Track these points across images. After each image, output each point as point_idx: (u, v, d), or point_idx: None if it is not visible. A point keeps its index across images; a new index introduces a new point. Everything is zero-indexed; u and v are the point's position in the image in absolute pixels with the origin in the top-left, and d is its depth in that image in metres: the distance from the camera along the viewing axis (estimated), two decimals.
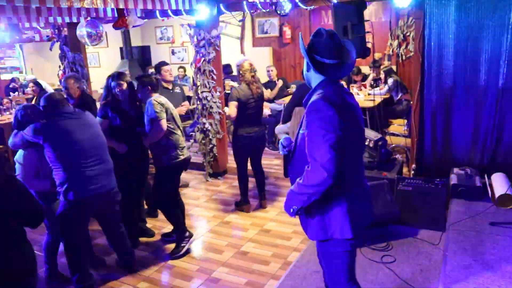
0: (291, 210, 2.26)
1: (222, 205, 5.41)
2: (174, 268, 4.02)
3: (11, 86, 10.51)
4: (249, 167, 5.15)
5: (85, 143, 3.39)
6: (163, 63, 5.65)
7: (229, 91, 5.76)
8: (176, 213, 4.30)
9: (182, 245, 4.23)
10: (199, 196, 5.75)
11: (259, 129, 4.99)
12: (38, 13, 4.98)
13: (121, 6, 4.49)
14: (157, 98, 4.08)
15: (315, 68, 2.23)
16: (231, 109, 4.77)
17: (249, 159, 5.12)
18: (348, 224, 2.25)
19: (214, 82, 6.10)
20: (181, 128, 4.27)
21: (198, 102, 6.14)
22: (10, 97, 9.07)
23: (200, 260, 4.14)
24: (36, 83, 7.38)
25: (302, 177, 2.17)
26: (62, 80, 5.02)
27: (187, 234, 4.27)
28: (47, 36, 7.80)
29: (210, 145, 6.28)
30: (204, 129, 6.19)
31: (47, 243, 3.79)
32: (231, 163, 6.72)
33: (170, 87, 5.55)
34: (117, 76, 4.15)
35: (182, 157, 4.17)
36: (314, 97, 2.21)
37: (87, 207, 3.50)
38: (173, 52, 11.10)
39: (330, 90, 2.22)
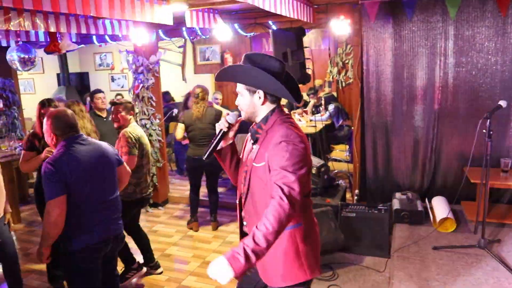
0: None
1: (163, 237, 5.14)
2: None
3: None
4: None
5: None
6: (97, 91, 5.30)
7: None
8: (127, 249, 4.08)
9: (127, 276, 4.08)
10: None
11: None
12: None
13: (52, 29, 4.24)
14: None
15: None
16: (177, 131, 5.04)
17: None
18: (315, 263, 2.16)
19: (154, 109, 5.89)
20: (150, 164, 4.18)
21: None
22: None
23: None
24: None
25: (267, 222, 1.83)
26: None
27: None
28: None
29: (150, 174, 6.02)
30: None
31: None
32: (173, 192, 6.49)
33: (104, 115, 5.26)
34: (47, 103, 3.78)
35: (138, 196, 4.02)
36: (283, 127, 2.06)
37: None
38: (112, 79, 10.76)
39: (287, 120, 2.12)
